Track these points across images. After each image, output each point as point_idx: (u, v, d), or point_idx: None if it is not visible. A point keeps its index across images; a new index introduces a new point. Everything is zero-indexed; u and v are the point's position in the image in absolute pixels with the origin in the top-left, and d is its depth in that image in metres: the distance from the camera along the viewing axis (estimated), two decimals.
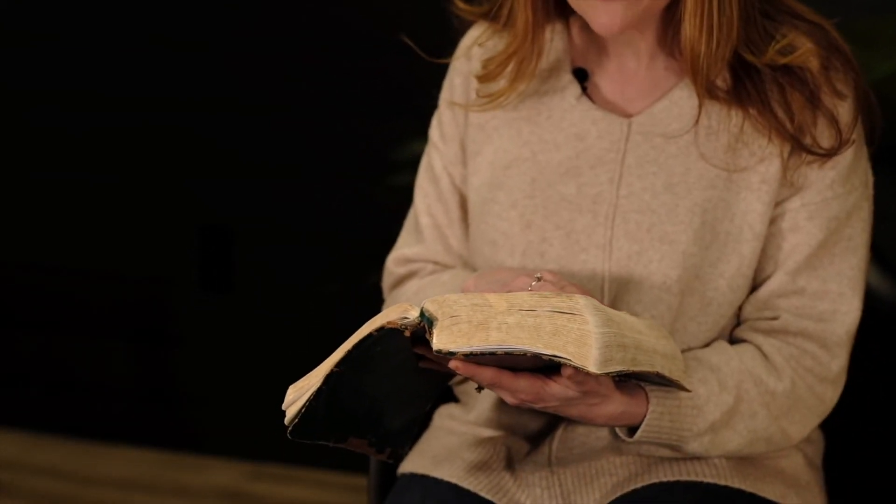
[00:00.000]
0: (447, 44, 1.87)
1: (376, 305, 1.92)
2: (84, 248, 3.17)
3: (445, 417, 1.85)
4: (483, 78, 1.78)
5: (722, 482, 1.70)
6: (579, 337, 1.45)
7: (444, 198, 1.84)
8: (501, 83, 1.77)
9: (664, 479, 1.70)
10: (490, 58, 1.78)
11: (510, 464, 1.75)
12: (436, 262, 1.85)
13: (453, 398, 1.87)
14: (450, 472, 1.74)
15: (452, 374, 1.52)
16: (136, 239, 3.13)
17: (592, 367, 1.44)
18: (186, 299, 3.13)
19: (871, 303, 1.81)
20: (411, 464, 1.80)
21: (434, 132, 1.86)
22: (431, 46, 1.85)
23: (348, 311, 2.27)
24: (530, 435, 1.77)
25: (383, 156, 2.84)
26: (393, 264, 1.89)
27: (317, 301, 3.03)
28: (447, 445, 1.80)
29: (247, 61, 2.96)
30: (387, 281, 1.91)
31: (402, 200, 1.91)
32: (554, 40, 1.78)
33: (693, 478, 1.70)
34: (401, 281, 1.88)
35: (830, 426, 1.80)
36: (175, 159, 3.06)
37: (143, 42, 3.01)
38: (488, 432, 1.79)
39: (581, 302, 1.48)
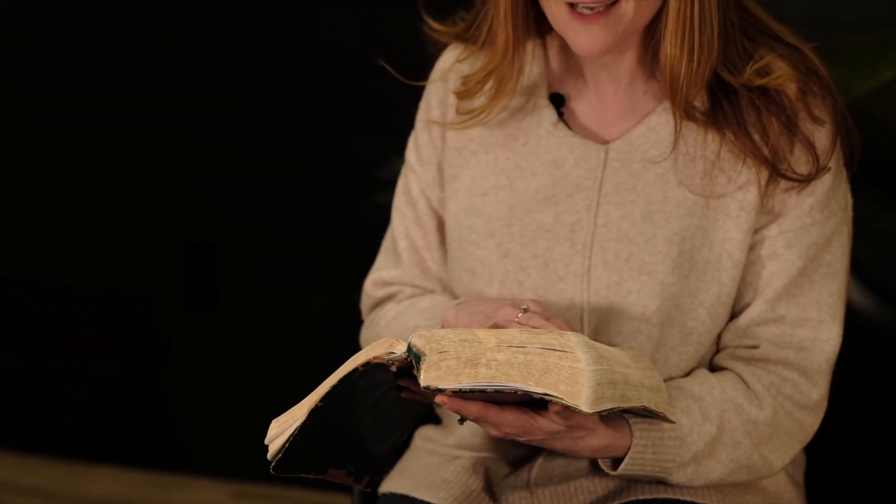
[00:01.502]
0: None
1: (362, 322, 1.92)
2: (69, 266, 3.16)
3: (426, 440, 1.84)
4: (462, 94, 1.76)
5: (700, 500, 1.70)
6: (571, 375, 1.44)
7: (421, 220, 1.82)
8: (481, 100, 1.75)
9: (641, 497, 1.69)
10: (469, 75, 1.76)
11: (489, 486, 1.75)
12: (414, 286, 1.84)
13: (433, 419, 1.86)
14: (430, 493, 1.74)
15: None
16: (122, 256, 3.12)
17: (584, 407, 1.43)
18: (172, 317, 3.12)
19: (854, 320, 1.80)
20: (392, 484, 1.80)
21: (411, 154, 1.84)
22: (433, 47, 1.84)
23: (335, 328, 2.26)
24: (511, 460, 1.77)
25: (370, 173, 2.82)
26: (371, 287, 1.88)
27: (303, 318, 3.02)
28: (428, 466, 1.79)
29: (247, 61, 2.96)
30: (365, 303, 1.90)
31: (389, 216, 1.90)
32: (532, 64, 1.76)
33: (671, 496, 1.69)
34: (379, 303, 1.87)
35: (813, 444, 1.79)
36: (175, 160, 3.06)
37: (143, 42, 3.01)
38: (469, 454, 1.78)
39: (573, 339, 1.47)
